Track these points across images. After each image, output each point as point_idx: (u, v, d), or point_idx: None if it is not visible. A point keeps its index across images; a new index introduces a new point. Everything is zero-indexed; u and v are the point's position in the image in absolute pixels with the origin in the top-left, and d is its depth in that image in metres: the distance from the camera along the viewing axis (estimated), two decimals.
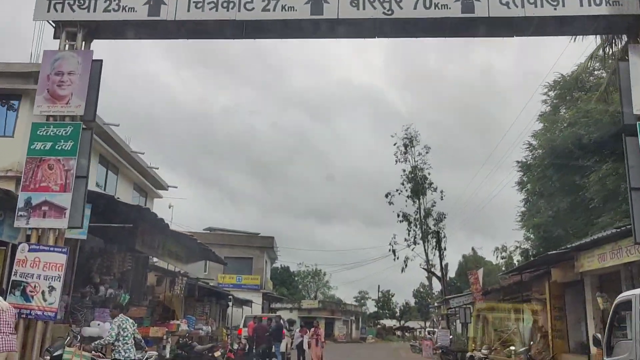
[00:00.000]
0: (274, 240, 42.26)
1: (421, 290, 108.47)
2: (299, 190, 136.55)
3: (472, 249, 75.06)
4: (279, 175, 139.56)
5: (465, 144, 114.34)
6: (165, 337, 17.09)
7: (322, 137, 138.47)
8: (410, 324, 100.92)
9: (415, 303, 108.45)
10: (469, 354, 19.02)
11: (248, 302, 37.55)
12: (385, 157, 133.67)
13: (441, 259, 44.50)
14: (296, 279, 79.96)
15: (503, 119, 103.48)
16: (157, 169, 24.13)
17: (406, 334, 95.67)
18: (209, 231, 42.85)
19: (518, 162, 32.84)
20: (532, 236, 33.02)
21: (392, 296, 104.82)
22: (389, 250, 55.29)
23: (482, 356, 17.00)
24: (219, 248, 41.62)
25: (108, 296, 16.02)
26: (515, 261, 57.29)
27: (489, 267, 66.41)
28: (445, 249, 46.12)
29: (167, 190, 27.17)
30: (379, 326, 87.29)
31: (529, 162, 32.37)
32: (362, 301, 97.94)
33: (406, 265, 54.81)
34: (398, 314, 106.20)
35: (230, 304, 36.85)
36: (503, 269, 68.18)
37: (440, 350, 24.48)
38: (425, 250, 54.66)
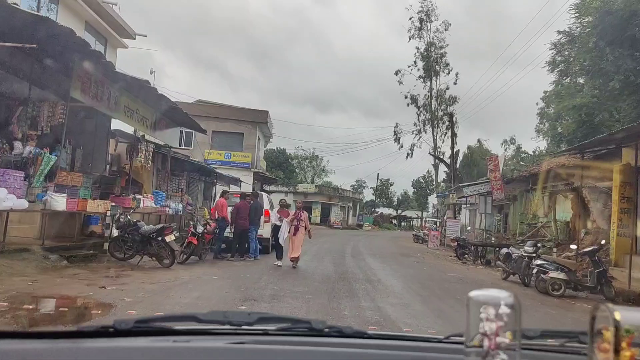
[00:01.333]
0: (268, 115, 37.59)
1: (421, 180, 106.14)
2: (297, 76, 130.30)
3: (479, 140, 70.94)
4: (277, 59, 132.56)
5: (478, 37, 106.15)
6: (113, 214, 13.05)
7: (323, 20, 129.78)
8: (408, 213, 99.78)
9: (414, 193, 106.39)
10: (505, 250, 15.04)
11: (236, 182, 33.70)
12: (389, 44, 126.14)
13: (453, 144, 40.20)
14: (293, 162, 76.41)
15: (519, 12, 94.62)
16: (116, 4, 18.85)
17: (402, 222, 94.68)
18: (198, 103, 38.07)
19: (559, 32, 27.59)
20: (568, 119, 28.38)
21: (391, 185, 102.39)
22: (394, 139, 51.20)
23: (526, 254, 13.04)
24: (205, 121, 36.98)
25: (28, 156, 11.64)
26: (531, 152, 53.18)
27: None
28: (456, 135, 41.56)
29: (134, 39, 21.98)
30: (376, 214, 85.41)
31: (574, 32, 27.05)
32: (360, 190, 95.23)
33: (412, 153, 50.99)
34: (395, 203, 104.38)
35: (215, 182, 33.03)
36: (511, 163, 64.56)
37: (456, 243, 20.73)
38: (433, 136, 50.40)
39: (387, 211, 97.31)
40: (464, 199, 35.45)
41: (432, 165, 50.96)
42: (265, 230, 16.27)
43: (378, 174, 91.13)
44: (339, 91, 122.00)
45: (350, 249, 23.52)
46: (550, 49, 35.20)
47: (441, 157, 47.02)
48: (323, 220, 58.96)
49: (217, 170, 31.87)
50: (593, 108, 24.96)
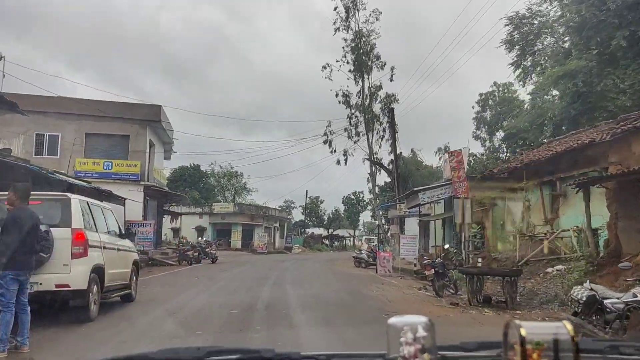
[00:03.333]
0: (162, 111, 28.93)
1: (351, 197, 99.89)
2: (217, 95, 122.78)
3: (412, 150, 65.28)
4: (196, 78, 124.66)
5: (393, 48, 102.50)
6: None
7: (241, 37, 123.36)
8: (340, 232, 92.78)
9: (345, 211, 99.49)
10: (583, 292, 7.48)
11: (117, 199, 24.82)
12: (310, 61, 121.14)
13: (394, 144, 33.20)
14: (210, 180, 67.36)
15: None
16: None
17: (335, 242, 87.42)
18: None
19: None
20: (554, 92, 22.03)
21: (321, 203, 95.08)
22: (324, 141, 43.77)
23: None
24: (76, 121, 27.97)
25: None
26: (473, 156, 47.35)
27: (429, 171, 58.30)
28: (397, 132, 34.63)
29: None
30: (306, 235, 77.57)
31: None
32: (288, 210, 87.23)
33: (346, 159, 43.69)
34: (326, 221, 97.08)
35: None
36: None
37: (432, 270, 13.19)
38: (368, 140, 43.50)
39: (317, 231, 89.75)
40: (415, 209, 28.35)
41: (369, 174, 43.91)
42: (75, 275, 7.78)
43: (307, 190, 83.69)
44: (262, 110, 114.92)
45: (269, 288, 15.31)
46: (506, 25, 29.53)
47: (379, 162, 39.97)
48: (245, 244, 50.37)
49: (86, 185, 22.92)
50: (591, 75, 18.43)
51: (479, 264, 13.61)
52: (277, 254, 51.66)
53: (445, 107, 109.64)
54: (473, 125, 51.62)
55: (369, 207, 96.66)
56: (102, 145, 28.31)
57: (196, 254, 28.71)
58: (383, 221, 44.86)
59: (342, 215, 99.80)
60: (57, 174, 18.39)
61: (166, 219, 45.59)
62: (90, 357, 5.93)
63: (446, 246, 15.76)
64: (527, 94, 32.55)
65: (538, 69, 30.15)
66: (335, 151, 42.71)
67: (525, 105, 47.86)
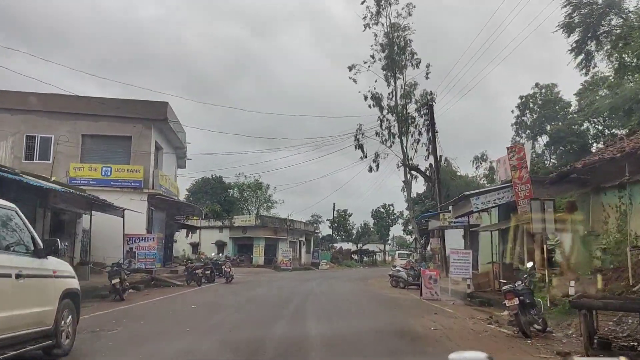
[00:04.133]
0: (169, 109, 25.38)
1: (381, 210, 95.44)
2: (242, 112, 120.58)
3: (446, 159, 60.82)
4: (218, 95, 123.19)
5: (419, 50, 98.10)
6: None
7: (265, 54, 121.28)
8: (369, 247, 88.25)
9: (375, 224, 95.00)
10: None
11: (116, 210, 21.32)
12: (334, 76, 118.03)
13: (434, 145, 28.97)
14: (232, 193, 63.85)
15: None
16: None
17: (364, 258, 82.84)
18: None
19: None
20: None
21: (349, 216, 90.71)
22: (355, 146, 39.74)
23: None
24: (72, 121, 24.65)
25: None
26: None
27: (465, 181, 54.07)
28: (437, 132, 30.35)
29: None
30: (334, 250, 73.30)
31: None
32: (315, 225, 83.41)
33: (378, 165, 39.47)
34: (355, 236, 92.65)
35: (82, 212, 20.69)
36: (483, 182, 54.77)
37: (516, 299, 8.89)
38: (402, 145, 39.31)
39: (346, 246, 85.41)
40: (462, 218, 24.11)
41: (403, 182, 39.60)
42: None
43: (334, 203, 79.30)
44: (286, 126, 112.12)
45: (285, 324, 11.22)
46: (563, 6, 25.26)
47: (416, 167, 35.68)
48: (268, 260, 46.46)
49: (83, 194, 19.56)
50: None
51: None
52: (303, 270, 47.57)
53: (478, 114, 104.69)
54: (512, 131, 47.35)
55: (400, 221, 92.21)
56: (101, 148, 24.88)
57: (207, 272, 24.88)
58: (416, 235, 40.46)
59: (372, 229, 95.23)
60: (26, 176, 14.73)
61: (180, 233, 42.12)
62: None
63: (529, 265, 11.50)
64: (605, 78, 28.06)
65: (602, 52, 25.88)
66: (366, 156, 38.63)
67: (572, 107, 43.49)
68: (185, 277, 23.52)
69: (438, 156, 29.54)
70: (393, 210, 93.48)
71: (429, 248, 32.45)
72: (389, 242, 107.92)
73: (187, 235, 39.99)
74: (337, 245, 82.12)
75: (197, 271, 23.07)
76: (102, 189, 23.33)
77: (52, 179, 19.17)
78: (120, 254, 22.77)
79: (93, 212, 21.00)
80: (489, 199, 19.36)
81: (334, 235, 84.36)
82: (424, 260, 27.84)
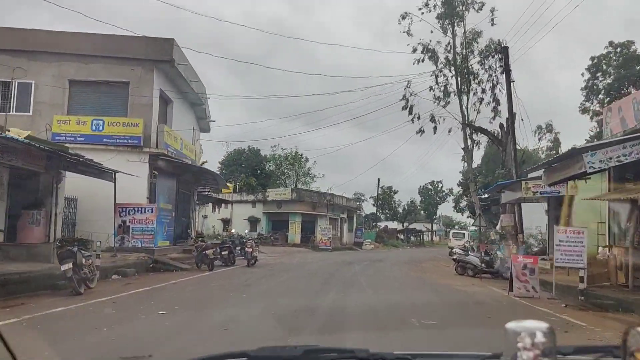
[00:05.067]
0: (176, 47, 20.20)
1: (429, 187, 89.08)
2: (282, 90, 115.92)
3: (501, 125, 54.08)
4: (258, 72, 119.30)
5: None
6: None
7: (304, 30, 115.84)
8: (415, 226, 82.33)
9: (421, 202, 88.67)
10: None
11: (107, 175, 16.58)
12: (376, 53, 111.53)
13: (511, 100, 22.84)
14: (269, 166, 59.01)
15: None
16: None
17: (411, 237, 77.03)
18: None
19: None
20: None
21: (394, 194, 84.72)
22: (402, 107, 33.83)
23: None
24: (56, 63, 19.93)
25: None
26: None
27: (526, 153, 47.74)
28: (514, 82, 24.13)
29: None
30: (378, 228, 67.67)
31: None
32: (358, 204, 78.24)
33: (435, 127, 33.42)
34: (400, 214, 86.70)
35: (61, 173, 16.04)
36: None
37: None
38: (461, 105, 33.23)
39: (390, 225, 79.65)
40: (556, 187, 18.24)
41: (462, 149, 33.54)
42: None
43: (379, 179, 73.38)
44: (327, 103, 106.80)
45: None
46: None
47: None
48: (305, 238, 41.34)
49: (68, 152, 14.89)
50: None
51: None
52: (344, 250, 42.35)
53: (535, 81, 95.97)
54: (582, 96, 40.59)
55: (449, 198, 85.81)
56: (92, 97, 20.04)
57: (224, 252, 19.91)
58: (479, 211, 34.40)
59: (419, 207, 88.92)
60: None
61: (205, 208, 37.52)
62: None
63: None
64: None
65: None
66: (418, 117, 32.73)
67: None
68: (194, 259, 18.59)
69: (515, 109, 23.36)
70: (441, 187, 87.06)
71: (498, 227, 26.68)
72: (436, 221, 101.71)
73: (213, 210, 35.30)
74: (382, 224, 76.61)
75: (207, 252, 18.05)
76: (92, 147, 18.53)
77: (20, 134, 14.36)
78: (113, 229, 18.05)
79: (74, 176, 16.26)
80: (610, 155, 13.40)
81: (377, 214, 78.73)
82: (503, 242, 21.90)
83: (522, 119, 31.41)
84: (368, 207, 79.64)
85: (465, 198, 79.18)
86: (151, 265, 17.21)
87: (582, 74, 40.03)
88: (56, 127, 19.09)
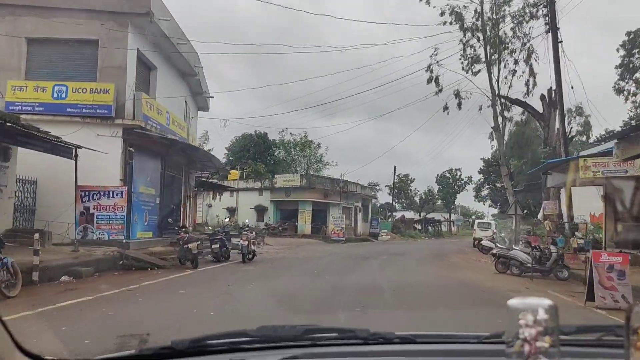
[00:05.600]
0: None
1: (447, 175, 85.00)
2: (294, 78, 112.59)
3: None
4: (271, 62, 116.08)
5: None
6: None
7: (316, 18, 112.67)
8: (433, 216, 78.51)
9: (439, 191, 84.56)
10: None
11: (65, 150, 13.27)
12: (389, 43, 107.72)
13: (558, 65, 19.01)
14: (278, 152, 55.50)
15: None
16: None
17: (429, 228, 73.26)
18: None
19: None
20: None
21: (411, 182, 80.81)
22: (428, 79, 30.05)
23: None
24: (11, 17, 16.60)
25: None
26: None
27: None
28: (562, 42, 20.22)
29: None
30: (394, 218, 64.00)
31: None
32: (373, 192, 74.62)
33: (460, 103, 29.61)
34: (418, 203, 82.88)
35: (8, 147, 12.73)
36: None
37: None
38: (491, 79, 29.35)
39: (407, 214, 75.86)
40: (618, 167, 14.51)
41: (492, 128, 29.69)
42: None
43: (395, 166, 69.47)
44: (341, 93, 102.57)
45: None
46: None
47: (520, 101, 25.55)
48: (316, 229, 37.85)
49: (16, 123, 11.54)
50: None
51: None
52: (359, 242, 38.81)
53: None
54: (616, 74, 36.66)
55: (468, 187, 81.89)
56: (54, 59, 16.63)
57: (215, 246, 16.50)
58: (513, 197, 30.57)
59: (436, 196, 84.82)
60: None
61: (209, 196, 34.19)
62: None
63: None
64: None
65: None
66: (441, 90, 28.93)
67: None
68: (177, 254, 15.18)
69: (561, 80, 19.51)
70: (460, 175, 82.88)
71: (540, 215, 22.92)
72: (454, 210, 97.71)
73: (213, 197, 31.93)
74: (397, 214, 72.92)
75: (189, 245, 14.59)
76: (53, 119, 15.21)
77: None
78: (75, 217, 14.68)
79: (32, 154, 13.00)
80: None
81: (393, 203, 74.92)
82: (562, 235, 18.03)
83: (571, 87, 27.57)
84: (383, 197, 76.05)
85: (487, 186, 75.43)
86: (120, 263, 13.84)
87: (617, 50, 36.35)
88: (10, 95, 15.74)
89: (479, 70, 29.03)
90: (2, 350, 1.29)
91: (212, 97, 27.99)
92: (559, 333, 1.09)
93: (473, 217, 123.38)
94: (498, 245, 16.85)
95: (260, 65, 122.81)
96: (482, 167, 73.56)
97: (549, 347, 1.05)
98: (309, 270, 15.15)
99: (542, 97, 22.50)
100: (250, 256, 17.45)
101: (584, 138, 46.16)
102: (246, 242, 16.81)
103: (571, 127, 36.97)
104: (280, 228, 37.38)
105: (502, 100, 28.36)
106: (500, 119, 29.22)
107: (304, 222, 37.71)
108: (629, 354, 1.06)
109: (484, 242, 29.15)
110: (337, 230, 35.41)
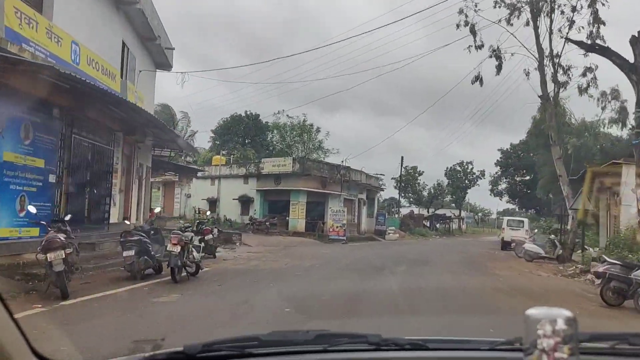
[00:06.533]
0: None
1: (457, 168, 78.00)
2: (298, 74, 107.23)
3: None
4: (274, 56, 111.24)
5: None
6: None
7: (318, 11, 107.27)
8: (442, 212, 71.58)
9: (448, 185, 77.29)
10: None
11: None
12: (393, 35, 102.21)
13: None
14: (272, 136, 48.63)
15: None
16: None
17: (438, 225, 66.39)
18: None
19: None
20: None
21: (420, 175, 73.47)
22: (457, 23, 23.16)
23: None
24: None
25: None
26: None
27: (585, 127, 37.52)
28: None
29: None
30: (402, 215, 57.01)
31: None
32: (380, 182, 67.31)
33: (500, 65, 22.62)
34: (426, 198, 75.83)
35: None
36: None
37: None
38: (537, 34, 22.55)
39: (414, 210, 68.85)
40: None
41: (540, 97, 22.79)
42: None
43: (402, 157, 62.22)
44: (345, 88, 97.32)
45: None
46: None
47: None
48: (311, 225, 30.92)
49: None
50: None
51: None
52: (364, 241, 32.00)
53: None
54: None
55: (480, 181, 75.28)
56: None
57: (129, 253, 9.71)
58: (566, 187, 23.65)
59: (446, 190, 77.33)
60: None
61: (189, 185, 27.44)
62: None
63: None
64: None
65: None
66: (480, 46, 21.98)
67: None
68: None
69: None
70: (472, 169, 75.70)
71: (633, 210, 16.22)
72: (464, 207, 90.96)
73: (179, 183, 25.09)
74: (403, 210, 65.98)
75: (49, 257, 7.68)
76: None
77: None
78: None
79: None
80: None
81: (400, 198, 67.79)
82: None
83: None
84: (387, 192, 69.01)
85: (505, 180, 68.37)
86: None
87: None
88: None
89: (526, 21, 22.09)
90: (17, 354, 1.28)
91: (173, 49, 21.19)
92: (577, 344, 1.08)
93: (480, 214, 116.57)
94: (609, 259, 9.95)
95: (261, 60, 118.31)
96: (499, 159, 66.70)
97: (568, 358, 1.05)
98: (277, 306, 8.18)
99: (633, 41, 15.52)
100: (192, 270, 10.61)
101: (620, 125, 38.98)
102: (178, 249, 9.89)
103: None
104: (267, 224, 30.57)
105: (557, 60, 21.48)
106: (552, 86, 22.37)
107: (297, 217, 30.79)
108: None
109: (527, 246, 22.39)
110: (337, 228, 28.52)
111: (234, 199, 34.69)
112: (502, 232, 31.98)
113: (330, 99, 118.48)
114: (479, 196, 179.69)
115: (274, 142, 48.24)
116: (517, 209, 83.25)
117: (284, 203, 31.69)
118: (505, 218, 33.68)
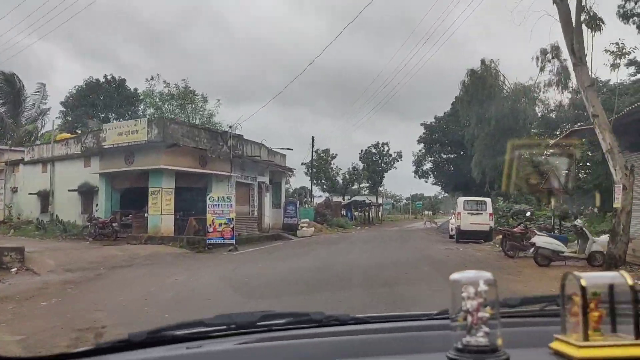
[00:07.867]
0: None
1: (373, 151, 69.69)
2: (198, 64, 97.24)
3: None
4: (171, 45, 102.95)
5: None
6: None
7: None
8: (358, 199, 62.55)
9: (364, 169, 68.46)
10: None
11: None
12: (294, 26, 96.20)
13: None
14: (144, 109, 36.82)
15: None
16: None
17: (355, 213, 57.54)
18: None
19: None
20: None
21: (333, 158, 63.91)
22: None
23: None
24: None
25: None
26: None
27: (518, 89, 35.81)
28: None
29: None
30: (317, 204, 47.09)
31: None
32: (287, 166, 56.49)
33: None
34: (341, 185, 66.77)
35: None
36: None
37: None
38: None
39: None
40: None
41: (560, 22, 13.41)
42: None
43: (313, 137, 51.82)
44: (247, 79, 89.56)
45: None
46: None
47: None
48: (182, 224, 19.96)
49: None
50: None
51: None
52: (267, 242, 21.77)
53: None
54: (611, 21, 22.95)
55: (397, 163, 67.84)
56: None
57: None
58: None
59: (362, 174, 68.44)
60: None
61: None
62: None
63: None
64: None
65: None
66: None
67: None
68: None
69: None
70: (388, 150, 67.48)
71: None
72: (383, 194, 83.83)
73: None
74: (320, 196, 56.51)
75: None
76: None
77: None
78: None
79: None
80: None
81: (313, 185, 57.81)
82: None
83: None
84: (298, 180, 59.07)
85: (430, 158, 60.43)
86: None
87: None
88: None
89: None
90: None
91: None
92: (499, 303, 1.12)
93: (404, 200, 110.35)
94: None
95: (161, 49, 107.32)
96: (422, 135, 58.74)
97: (491, 317, 1.07)
98: None
99: None
100: None
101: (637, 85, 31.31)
102: None
103: None
104: (113, 226, 19.40)
105: None
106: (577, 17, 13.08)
107: (160, 212, 19.61)
108: (564, 321, 1.12)
109: (540, 241, 13.27)
110: (221, 226, 17.71)
111: (70, 190, 23.00)
112: (457, 217, 23.08)
113: (233, 90, 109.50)
114: (395, 184, 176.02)
115: (147, 116, 36.46)
116: (442, 192, 76.86)
117: (142, 191, 20.39)
118: (461, 199, 24.51)
